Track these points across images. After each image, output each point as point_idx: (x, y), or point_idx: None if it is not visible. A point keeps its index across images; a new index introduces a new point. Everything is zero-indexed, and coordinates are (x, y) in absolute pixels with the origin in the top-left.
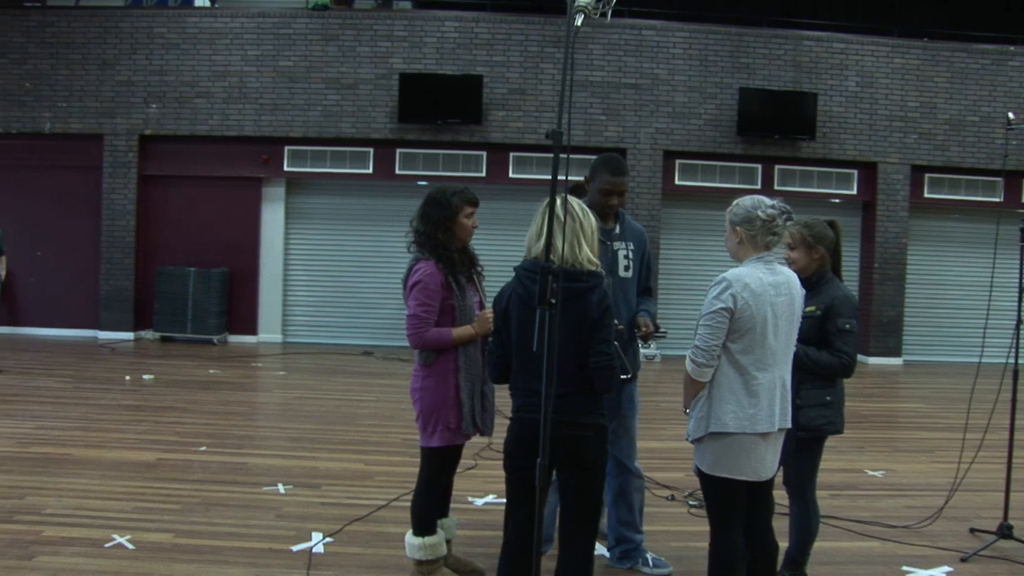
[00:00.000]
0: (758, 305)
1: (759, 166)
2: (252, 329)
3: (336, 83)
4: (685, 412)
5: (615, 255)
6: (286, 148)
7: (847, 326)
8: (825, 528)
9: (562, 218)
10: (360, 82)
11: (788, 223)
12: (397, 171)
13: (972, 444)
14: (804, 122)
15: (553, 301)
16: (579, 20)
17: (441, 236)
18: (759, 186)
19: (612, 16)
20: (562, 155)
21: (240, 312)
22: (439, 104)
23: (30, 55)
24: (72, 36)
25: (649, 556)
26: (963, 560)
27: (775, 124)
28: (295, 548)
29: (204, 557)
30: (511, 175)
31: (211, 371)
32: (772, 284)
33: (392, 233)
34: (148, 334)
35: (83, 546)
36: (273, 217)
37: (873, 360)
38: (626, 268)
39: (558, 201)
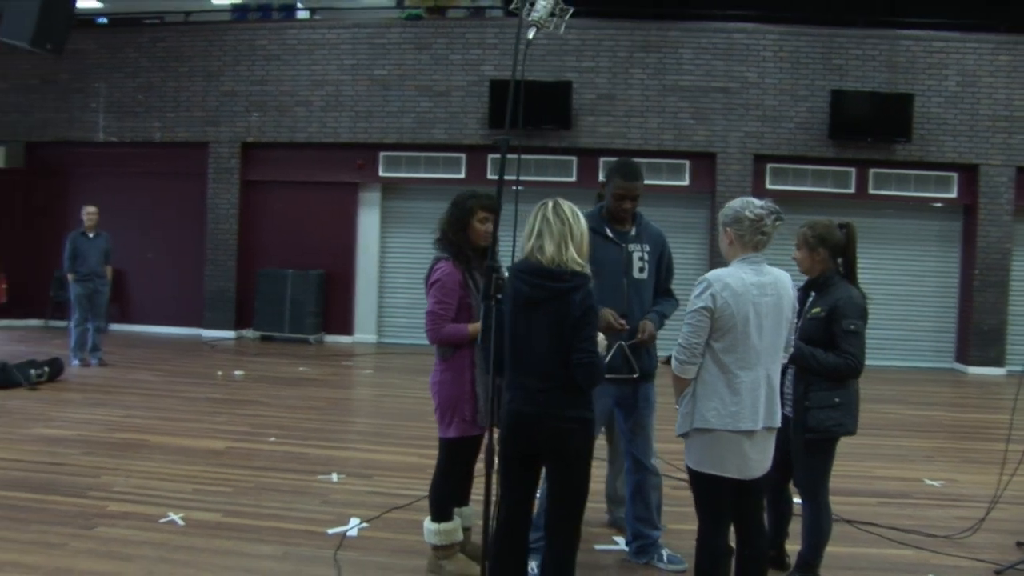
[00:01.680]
0: (739, 305)
1: (852, 169)
2: (348, 329)
3: (429, 90)
4: (676, 408)
5: (630, 257)
6: (381, 154)
7: (852, 327)
8: (860, 534)
9: (546, 223)
10: (452, 89)
11: (777, 223)
12: (489, 176)
13: None
14: (900, 124)
15: (499, 296)
16: (531, 33)
17: (456, 237)
18: (852, 190)
19: (701, 20)
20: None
21: (336, 313)
22: (529, 110)
23: (142, 68)
24: (180, 50)
25: (665, 552)
26: (997, 573)
27: (869, 126)
28: (330, 531)
29: (243, 535)
30: (601, 180)
31: (301, 369)
32: (756, 284)
33: None
34: (249, 333)
35: (138, 520)
36: (369, 221)
37: (973, 370)
38: (641, 270)
39: (550, 205)
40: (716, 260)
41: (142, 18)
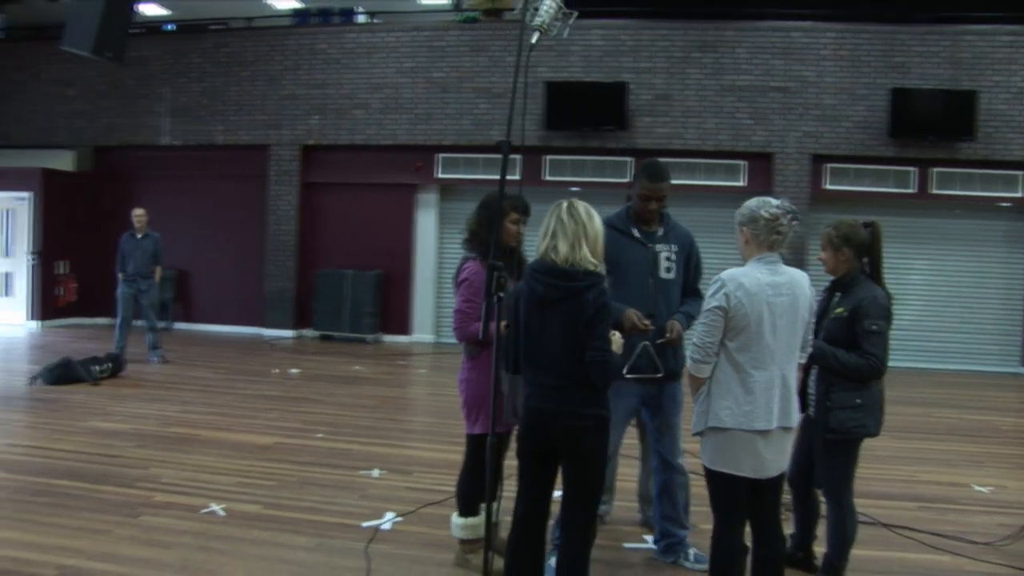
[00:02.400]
0: (752, 304)
1: (914, 169)
2: (405, 329)
3: (486, 92)
4: (694, 405)
5: (656, 257)
6: (439, 156)
7: (874, 327)
8: (896, 538)
9: (548, 221)
10: (509, 91)
11: (794, 223)
12: (545, 177)
13: None
14: (963, 122)
15: (502, 295)
16: (534, 38)
17: (486, 236)
18: (914, 189)
19: (761, 19)
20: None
21: (394, 313)
22: (585, 111)
23: (206, 73)
24: (243, 55)
25: (691, 551)
26: None
27: (931, 125)
28: (364, 524)
29: (280, 526)
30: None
31: (356, 368)
32: (770, 284)
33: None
34: (308, 332)
35: (181, 510)
36: (426, 222)
37: None
38: (667, 270)
39: (564, 205)
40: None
41: (207, 24)
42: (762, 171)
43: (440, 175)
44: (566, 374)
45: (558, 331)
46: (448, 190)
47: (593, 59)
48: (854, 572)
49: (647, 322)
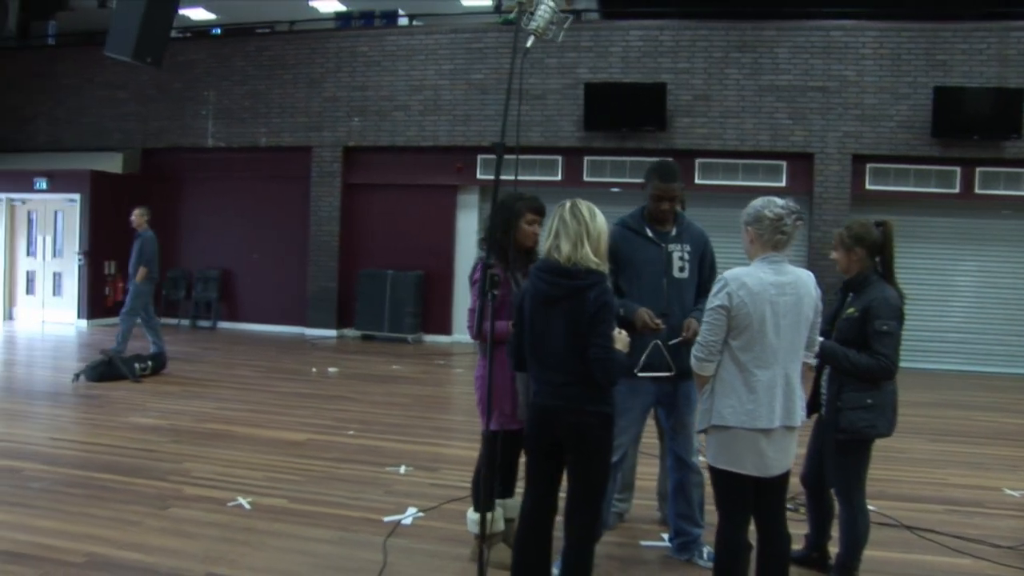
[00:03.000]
0: (755, 304)
1: (958, 168)
2: (446, 329)
3: (525, 94)
4: (699, 403)
5: (670, 257)
6: (479, 157)
7: (884, 328)
8: (918, 540)
9: (558, 220)
10: (548, 92)
11: (799, 223)
12: (585, 178)
13: None
14: (1010, 120)
15: (496, 292)
16: (530, 42)
17: (501, 237)
18: (958, 189)
19: (801, 19)
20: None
21: (434, 313)
22: (623, 112)
23: (249, 76)
24: (285, 58)
25: (705, 549)
26: None
27: (975, 124)
28: (387, 519)
29: (303, 520)
30: (696, 181)
31: (394, 367)
32: (774, 284)
33: None
34: (350, 332)
35: (209, 503)
36: (467, 222)
37: None
38: (681, 269)
39: (568, 206)
40: (814, 263)
41: (253, 28)
42: (802, 171)
43: (480, 176)
44: (571, 371)
45: (562, 329)
46: (488, 191)
47: (632, 60)
48: (870, 573)
49: (658, 321)
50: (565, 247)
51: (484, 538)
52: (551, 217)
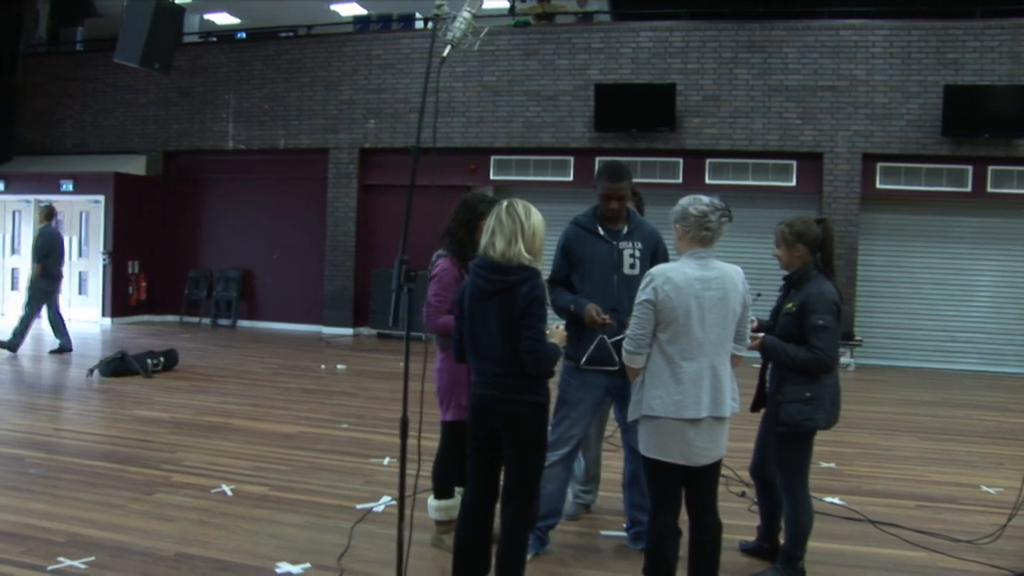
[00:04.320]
0: (680, 298)
1: (969, 167)
2: None
3: (537, 95)
4: (632, 394)
5: (620, 254)
6: (492, 158)
7: (820, 322)
8: (878, 534)
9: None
10: (559, 94)
11: (723, 220)
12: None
13: None
14: (1021, 118)
15: (411, 286)
16: (446, 51)
17: (462, 236)
18: (969, 188)
19: (810, 18)
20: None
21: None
22: (633, 113)
23: (268, 80)
24: (302, 61)
25: None
26: None
27: (986, 122)
28: (359, 506)
29: (280, 506)
30: (707, 181)
31: (401, 364)
32: (699, 279)
33: None
34: (366, 331)
35: (194, 490)
36: None
37: None
38: (632, 266)
39: (504, 205)
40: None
41: (276, 31)
42: (812, 171)
43: (494, 176)
44: (505, 362)
45: (496, 322)
46: (501, 191)
47: (642, 61)
48: (822, 565)
49: (606, 316)
50: (499, 244)
51: (459, 522)
52: (490, 216)
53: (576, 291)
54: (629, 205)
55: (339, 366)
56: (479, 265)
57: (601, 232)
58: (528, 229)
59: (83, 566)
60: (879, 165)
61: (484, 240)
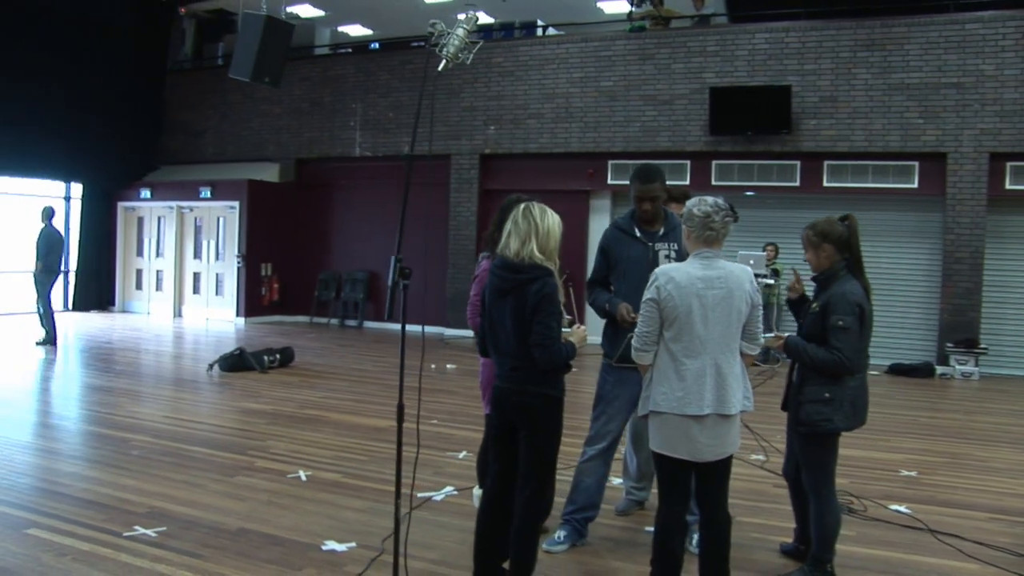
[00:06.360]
0: (682, 297)
1: None
2: None
3: (653, 100)
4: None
5: (656, 255)
6: (609, 162)
7: (840, 323)
8: (933, 543)
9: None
10: (676, 98)
11: (727, 220)
12: (713, 182)
13: None
14: None
15: (407, 283)
16: (441, 66)
17: (497, 237)
18: None
19: (930, 13)
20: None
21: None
22: (749, 115)
23: (393, 89)
24: (426, 70)
25: (695, 536)
26: None
27: None
28: (420, 495)
29: (347, 492)
30: (825, 184)
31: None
32: (701, 278)
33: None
34: None
35: (272, 474)
36: (600, 226)
37: None
38: None
39: (521, 207)
40: (949, 267)
41: (408, 41)
42: (936, 172)
43: (611, 181)
44: (519, 356)
45: (510, 318)
46: (620, 196)
47: (758, 63)
48: (858, 570)
49: (635, 315)
50: (514, 244)
51: (480, 512)
52: (509, 217)
53: (614, 291)
54: (671, 208)
55: (449, 366)
56: (496, 265)
57: (637, 234)
58: (542, 230)
59: (154, 535)
60: (1008, 164)
61: (501, 241)
